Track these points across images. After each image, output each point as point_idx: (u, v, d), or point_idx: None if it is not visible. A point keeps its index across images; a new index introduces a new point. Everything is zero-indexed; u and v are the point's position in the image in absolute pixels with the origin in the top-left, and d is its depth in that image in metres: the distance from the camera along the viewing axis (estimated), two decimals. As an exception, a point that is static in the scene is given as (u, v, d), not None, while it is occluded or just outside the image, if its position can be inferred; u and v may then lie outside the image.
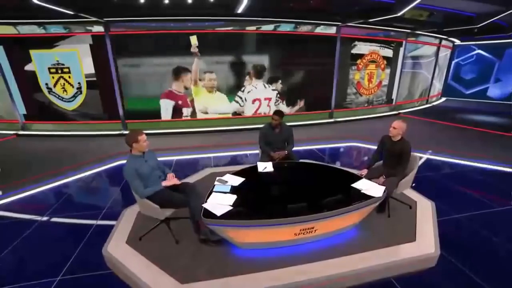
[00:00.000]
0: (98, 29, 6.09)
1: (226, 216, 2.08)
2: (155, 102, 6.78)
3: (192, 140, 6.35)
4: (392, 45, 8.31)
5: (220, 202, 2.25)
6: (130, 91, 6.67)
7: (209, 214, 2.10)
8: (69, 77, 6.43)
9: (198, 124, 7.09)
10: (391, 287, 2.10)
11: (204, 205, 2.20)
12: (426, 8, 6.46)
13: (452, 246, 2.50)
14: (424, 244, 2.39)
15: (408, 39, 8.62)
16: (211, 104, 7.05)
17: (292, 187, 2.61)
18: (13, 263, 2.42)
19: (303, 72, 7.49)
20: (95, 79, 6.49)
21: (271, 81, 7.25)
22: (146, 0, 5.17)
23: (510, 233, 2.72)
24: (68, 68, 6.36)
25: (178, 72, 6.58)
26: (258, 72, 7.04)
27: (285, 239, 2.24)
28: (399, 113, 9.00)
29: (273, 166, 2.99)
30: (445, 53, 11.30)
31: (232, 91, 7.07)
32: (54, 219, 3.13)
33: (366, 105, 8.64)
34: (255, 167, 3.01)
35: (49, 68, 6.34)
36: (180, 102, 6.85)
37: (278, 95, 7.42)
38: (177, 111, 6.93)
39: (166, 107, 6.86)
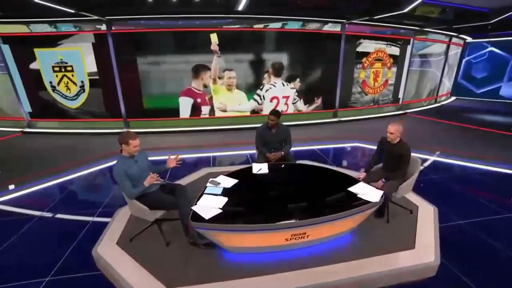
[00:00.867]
0: (101, 27, 6.12)
1: (215, 219, 2.02)
2: (174, 100, 6.81)
3: (208, 138, 6.38)
4: (399, 43, 8.07)
5: (210, 205, 2.19)
6: (149, 90, 6.71)
7: (197, 217, 2.04)
8: (72, 75, 6.49)
9: (215, 122, 7.11)
10: (386, 297, 2.01)
11: (193, 208, 2.14)
12: (436, 5, 6.21)
13: (454, 254, 2.38)
14: (424, 252, 2.28)
15: (417, 37, 8.35)
16: (230, 102, 7.07)
17: (286, 191, 2.53)
18: (4, 262, 2.42)
19: (321, 70, 7.41)
20: (97, 77, 6.53)
21: (289, 79, 7.20)
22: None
23: (518, 242, 2.58)
24: (72, 66, 6.42)
25: (198, 70, 6.61)
26: (277, 70, 7.04)
27: (276, 244, 2.16)
28: (406, 112, 8.76)
29: (268, 168, 2.91)
30: (455, 51, 10.93)
31: (251, 89, 7.06)
32: (51, 217, 3.14)
33: (371, 104, 8.44)
34: (251, 168, 2.94)
35: (53, 67, 6.41)
36: (199, 100, 6.89)
37: (297, 93, 7.35)
38: (196, 109, 6.95)
39: (185, 105, 6.91)
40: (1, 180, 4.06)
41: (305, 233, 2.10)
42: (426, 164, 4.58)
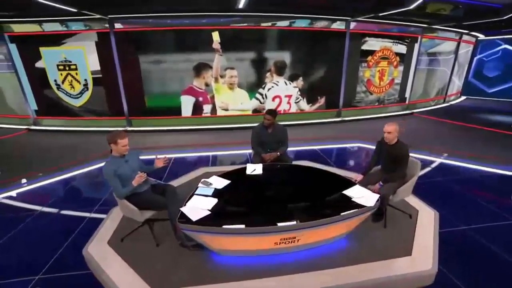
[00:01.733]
0: (102, 26, 6.16)
1: (203, 221, 1.98)
2: (176, 98, 6.81)
3: (210, 137, 6.38)
4: (406, 41, 7.84)
5: (199, 206, 2.16)
6: (151, 88, 6.74)
7: (185, 218, 2.00)
8: (76, 74, 6.56)
9: (217, 121, 7.09)
10: (379, 305, 1.92)
11: (182, 209, 2.11)
12: (446, 2, 5.97)
13: (454, 262, 2.27)
14: (421, 259, 2.18)
15: (425, 34, 8.10)
16: (232, 101, 7.03)
17: (278, 193, 2.47)
18: (-1, 259, 2.45)
19: (324, 69, 7.28)
20: (100, 76, 6.59)
21: (292, 78, 7.11)
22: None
23: (524, 250, 2.44)
24: (75, 65, 6.49)
25: (199, 69, 6.60)
26: (279, 69, 6.95)
27: (265, 248, 2.10)
28: (413, 112, 8.53)
29: (263, 169, 2.85)
30: (466, 49, 10.55)
31: (253, 88, 7.01)
32: (50, 213, 3.20)
33: (376, 104, 8.25)
34: (245, 168, 2.89)
35: (57, 65, 6.51)
36: (200, 98, 6.87)
37: (299, 92, 7.26)
38: (197, 108, 6.94)
39: (186, 104, 6.90)
40: (4, 177, 4.14)
41: (295, 237, 2.03)
42: (427, 165, 4.43)
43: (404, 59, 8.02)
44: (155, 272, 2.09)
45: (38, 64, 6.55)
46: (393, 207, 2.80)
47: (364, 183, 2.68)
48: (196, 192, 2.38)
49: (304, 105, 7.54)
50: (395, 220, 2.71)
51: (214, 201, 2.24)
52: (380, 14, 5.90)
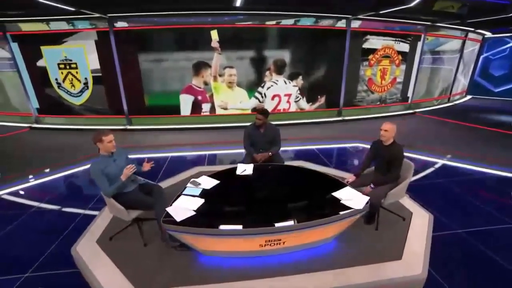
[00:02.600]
0: (103, 25, 6.18)
1: (187, 222, 1.96)
2: (175, 97, 6.82)
3: (208, 135, 6.37)
4: (409, 39, 7.69)
5: (184, 206, 2.14)
6: (150, 87, 6.77)
7: (170, 219, 1.99)
8: (77, 72, 6.62)
9: (216, 120, 7.09)
10: (365, 310, 1.88)
11: (168, 209, 2.10)
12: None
13: (446, 267, 2.21)
14: (411, 263, 2.13)
15: (428, 32, 7.93)
16: (231, 99, 7.02)
17: (266, 194, 2.44)
18: (-10, 256, 2.47)
19: (325, 68, 7.21)
20: (100, 74, 6.63)
21: (291, 77, 7.05)
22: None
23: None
24: (76, 63, 6.55)
25: (198, 67, 6.60)
26: (279, 68, 6.92)
27: (250, 250, 2.08)
28: (415, 112, 8.39)
29: (254, 169, 2.82)
30: (472, 48, 10.31)
31: (252, 86, 6.98)
32: (44, 210, 3.23)
33: (378, 103, 8.13)
34: (236, 168, 2.87)
35: (58, 64, 6.57)
36: (199, 97, 6.88)
37: (299, 91, 7.21)
38: (196, 107, 6.94)
39: (186, 103, 6.91)
40: (5, 174, 4.21)
41: (280, 240, 2.00)
42: (425, 166, 4.34)
43: (407, 57, 7.88)
44: (141, 272, 2.09)
45: (40, 63, 6.63)
46: (386, 209, 2.74)
47: (356, 185, 2.64)
48: (183, 192, 2.37)
49: (304, 104, 7.48)
50: (388, 222, 2.66)
51: (201, 201, 2.22)
52: (381, 12, 5.78)
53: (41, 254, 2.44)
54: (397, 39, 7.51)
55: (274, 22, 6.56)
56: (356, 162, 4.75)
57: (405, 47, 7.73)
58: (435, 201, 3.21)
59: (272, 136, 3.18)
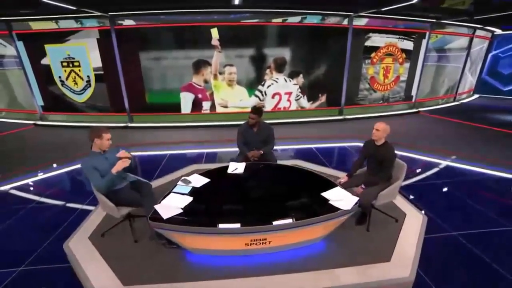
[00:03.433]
0: (105, 23, 6.25)
1: (175, 219, 1.98)
2: (176, 95, 6.87)
3: (208, 133, 6.40)
4: (413, 36, 7.53)
5: (172, 204, 2.16)
6: (151, 85, 6.83)
7: (157, 216, 2.01)
8: (79, 70, 6.72)
9: (216, 118, 7.10)
10: (349, 312, 1.87)
11: (156, 206, 2.12)
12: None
13: (436, 269, 2.17)
14: (399, 265, 2.10)
15: (433, 30, 7.75)
16: (231, 98, 7.03)
17: (255, 193, 2.44)
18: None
19: (326, 66, 7.14)
20: (102, 72, 6.71)
21: (292, 75, 7.02)
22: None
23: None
24: (78, 62, 6.64)
25: (199, 65, 6.62)
26: (279, 66, 6.88)
27: (236, 249, 2.09)
28: (419, 111, 8.23)
29: (245, 168, 2.82)
30: (480, 46, 10.03)
31: (252, 85, 6.97)
32: (44, 204, 3.32)
33: (380, 102, 8.01)
34: (227, 167, 2.87)
35: (61, 62, 6.68)
36: (200, 95, 6.91)
37: (300, 90, 7.17)
38: (197, 105, 6.98)
39: (186, 100, 6.95)
40: (9, 169, 4.33)
41: (265, 239, 2.00)
42: (424, 166, 4.27)
43: (411, 55, 7.73)
44: (129, 268, 2.12)
45: (44, 61, 6.75)
46: (378, 210, 2.71)
47: (348, 185, 2.62)
48: (173, 190, 2.39)
49: (304, 102, 7.43)
50: (380, 224, 2.63)
51: (189, 199, 2.23)
52: (383, 9, 5.67)
53: (36, 249, 2.50)
54: (400, 36, 7.36)
55: (278, 20, 6.50)
56: (353, 161, 4.70)
57: (409, 45, 7.58)
58: (433, 203, 3.16)
59: (266, 135, 3.17)
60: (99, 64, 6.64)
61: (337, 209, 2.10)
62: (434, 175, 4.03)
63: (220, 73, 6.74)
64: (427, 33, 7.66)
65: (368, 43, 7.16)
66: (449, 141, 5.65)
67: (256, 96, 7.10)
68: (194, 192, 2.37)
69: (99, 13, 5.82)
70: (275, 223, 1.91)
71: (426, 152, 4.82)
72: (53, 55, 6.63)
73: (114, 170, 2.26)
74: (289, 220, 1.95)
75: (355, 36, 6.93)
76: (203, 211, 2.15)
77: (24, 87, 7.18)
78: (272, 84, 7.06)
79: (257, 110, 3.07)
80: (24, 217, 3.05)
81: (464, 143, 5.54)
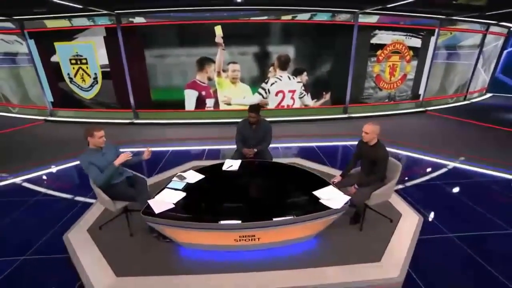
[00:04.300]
0: (111, 21, 6.37)
1: (164, 214, 2.04)
2: (180, 92, 6.96)
3: (212, 130, 6.44)
4: (421, 33, 7.33)
5: (165, 199, 2.21)
6: (156, 82, 6.93)
7: (150, 211, 2.07)
8: (87, 67, 6.88)
9: (219, 115, 7.14)
10: (336, 310, 1.88)
11: (149, 201, 2.18)
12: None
13: (427, 271, 2.15)
14: (389, 266, 2.09)
15: (443, 27, 7.51)
16: (234, 95, 7.06)
17: (247, 190, 2.47)
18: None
19: (330, 63, 7.06)
20: (109, 69, 6.85)
21: (296, 72, 6.98)
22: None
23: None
24: (86, 59, 6.81)
25: (202, 63, 6.67)
26: (283, 63, 6.85)
27: (226, 244, 2.12)
28: (426, 110, 8.04)
29: (240, 165, 2.85)
30: (495, 43, 9.64)
31: (256, 82, 6.98)
32: (47, 197, 3.45)
33: (386, 100, 7.86)
34: (223, 164, 2.91)
35: (70, 59, 6.86)
36: (203, 92, 6.97)
37: (303, 87, 7.13)
38: (200, 102, 7.05)
39: (190, 98, 7.03)
40: (19, 163, 4.51)
41: (254, 236, 2.03)
42: (426, 167, 4.19)
43: (419, 53, 7.53)
44: (123, 260, 2.19)
45: (53, 59, 6.95)
46: (374, 210, 2.69)
47: (341, 185, 2.61)
48: (168, 186, 2.45)
49: (308, 100, 7.37)
50: (374, 224, 2.61)
51: (182, 195, 2.28)
52: (389, 6, 5.54)
53: (39, 239, 2.62)
54: (408, 33, 7.18)
55: (287, 17, 6.45)
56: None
57: (417, 42, 7.38)
58: (433, 204, 3.11)
59: (264, 132, 3.18)
60: (105, 61, 6.79)
61: (327, 207, 2.11)
62: (435, 175, 3.95)
63: (224, 71, 6.77)
64: (436, 30, 7.44)
65: (374, 41, 7.02)
66: (453, 141, 5.51)
67: (260, 93, 7.10)
68: (187, 188, 2.42)
69: (105, 12, 5.94)
70: (261, 220, 1.94)
71: (427, 152, 4.72)
72: (62, 52, 6.82)
73: (117, 163, 2.34)
74: (276, 218, 1.97)
75: (361, 34, 6.81)
76: (194, 206, 2.20)
77: (35, 84, 7.42)
78: (275, 81, 7.04)
79: (255, 108, 3.08)
80: (30, 208, 3.19)
81: (469, 143, 5.38)
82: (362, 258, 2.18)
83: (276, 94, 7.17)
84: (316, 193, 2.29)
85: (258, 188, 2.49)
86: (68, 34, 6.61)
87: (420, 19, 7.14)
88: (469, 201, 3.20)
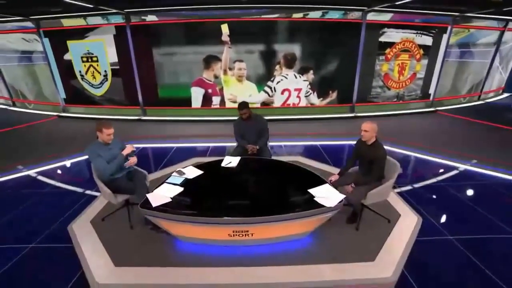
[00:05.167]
0: (121, 20, 6.53)
1: (161, 208, 2.10)
2: (186, 90, 7.07)
3: (218, 128, 6.51)
4: (432, 31, 7.12)
5: (163, 194, 2.28)
6: (163, 79, 7.07)
7: (148, 204, 2.14)
8: (97, 65, 7.09)
9: (225, 112, 7.19)
10: (326, 307, 1.90)
11: (148, 195, 2.25)
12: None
13: (423, 272, 2.12)
14: (382, 266, 2.08)
15: (456, 24, 7.26)
16: (240, 93, 7.11)
17: (243, 186, 2.50)
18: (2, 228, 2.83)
19: (337, 62, 6.98)
20: (118, 67, 7.04)
21: (302, 71, 6.95)
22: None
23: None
24: (96, 57, 7.01)
25: (209, 61, 6.75)
26: (289, 62, 6.83)
27: (221, 239, 2.17)
28: (436, 110, 7.81)
29: (239, 162, 2.89)
30: (512, 41, 9.23)
31: (262, 80, 7.00)
32: (58, 189, 3.62)
33: (395, 100, 7.69)
34: (222, 161, 2.96)
35: (81, 57, 7.09)
36: (210, 90, 7.05)
37: (310, 86, 7.11)
38: (207, 99, 7.14)
39: (196, 95, 7.13)
40: (33, 156, 4.73)
41: (247, 231, 2.06)
42: (432, 168, 4.09)
43: (429, 51, 7.32)
44: (122, 251, 2.28)
45: (66, 56, 7.20)
46: (372, 210, 2.67)
47: (338, 183, 2.60)
48: (167, 180, 2.52)
49: (314, 99, 7.32)
50: (372, 223, 2.60)
51: (180, 189, 2.35)
52: (398, 3, 5.41)
53: (47, 228, 2.76)
54: (418, 31, 6.98)
55: (298, 15, 6.42)
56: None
57: (427, 40, 7.17)
58: (434, 206, 3.05)
59: (260, 127, 3.21)
60: (115, 59, 6.97)
61: (321, 205, 2.11)
62: (438, 176, 3.86)
63: (230, 69, 6.82)
64: (449, 28, 7.20)
65: (382, 39, 6.88)
66: (461, 141, 5.34)
67: (265, 92, 7.11)
68: (186, 183, 2.48)
69: (115, 10, 6.09)
70: (255, 216, 1.97)
71: (431, 152, 4.61)
72: (74, 50, 7.05)
73: (125, 152, 2.45)
74: (269, 215, 1.99)
75: (369, 32, 6.68)
76: (190, 201, 2.25)
77: (49, 81, 7.72)
78: (281, 80, 7.02)
79: (243, 105, 3.14)
80: (40, 199, 3.35)
81: (479, 144, 5.20)
82: (356, 257, 2.18)
83: (282, 93, 7.16)
84: (312, 191, 2.30)
85: (254, 185, 2.52)
86: (80, 33, 6.82)
87: (431, 16, 6.92)
88: (472, 203, 3.12)
